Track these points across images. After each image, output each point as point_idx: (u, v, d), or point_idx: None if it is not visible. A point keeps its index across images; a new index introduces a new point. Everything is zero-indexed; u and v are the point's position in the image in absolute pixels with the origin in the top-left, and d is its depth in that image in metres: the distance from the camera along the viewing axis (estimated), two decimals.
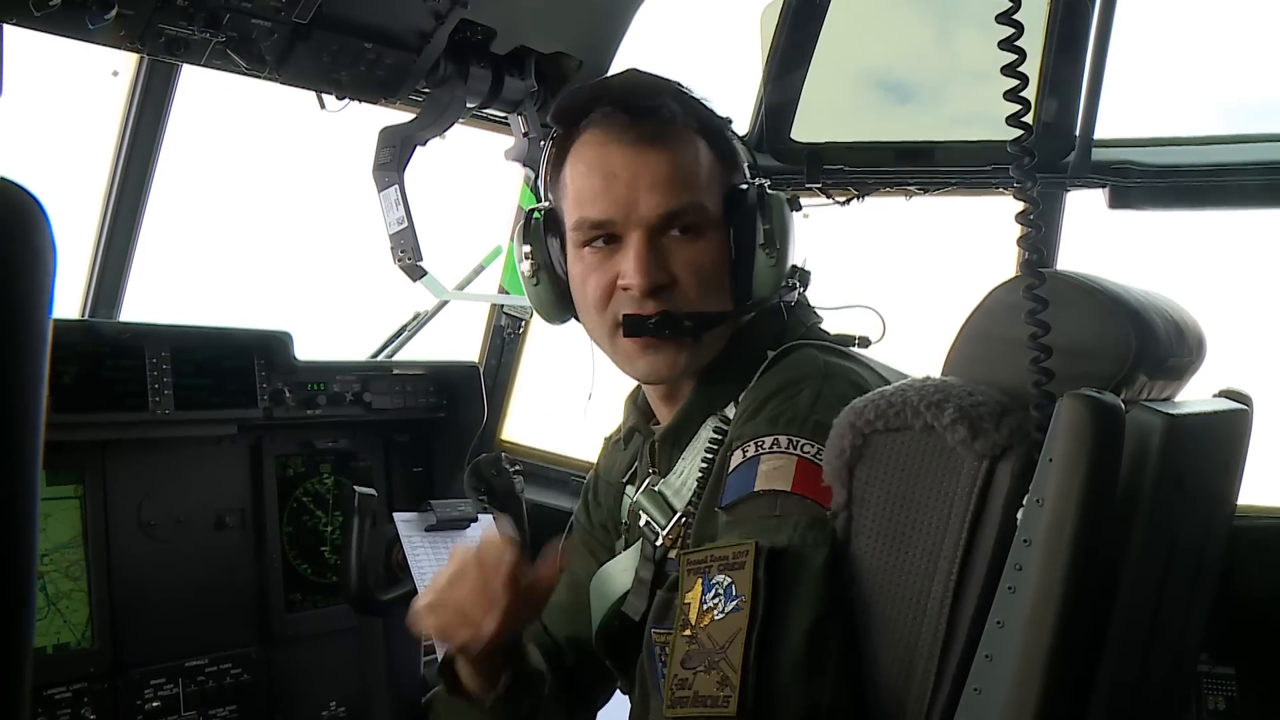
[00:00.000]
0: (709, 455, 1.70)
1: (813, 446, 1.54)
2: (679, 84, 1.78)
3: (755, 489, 1.53)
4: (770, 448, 1.55)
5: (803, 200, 1.84)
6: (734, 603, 1.41)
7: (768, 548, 1.44)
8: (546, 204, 1.82)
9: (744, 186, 1.77)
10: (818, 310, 1.87)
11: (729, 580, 1.43)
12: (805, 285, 1.83)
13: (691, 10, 3.60)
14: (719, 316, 1.72)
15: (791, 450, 1.54)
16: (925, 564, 1.42)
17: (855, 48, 3.37)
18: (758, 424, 1.59)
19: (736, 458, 1.58)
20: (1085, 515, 1.29)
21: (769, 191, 1.76)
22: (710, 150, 1.75)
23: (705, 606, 1.43)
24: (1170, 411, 1.47)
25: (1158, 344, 1.49)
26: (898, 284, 3.44)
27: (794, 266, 1.80)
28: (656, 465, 1.84)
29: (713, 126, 1.77)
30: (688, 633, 1.44)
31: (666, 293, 1.69)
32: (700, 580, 1.46)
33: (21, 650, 0.98)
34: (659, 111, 1.70)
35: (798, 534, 1.47)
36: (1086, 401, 1.31)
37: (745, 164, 1.81)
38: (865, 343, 1.82)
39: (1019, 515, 1.35)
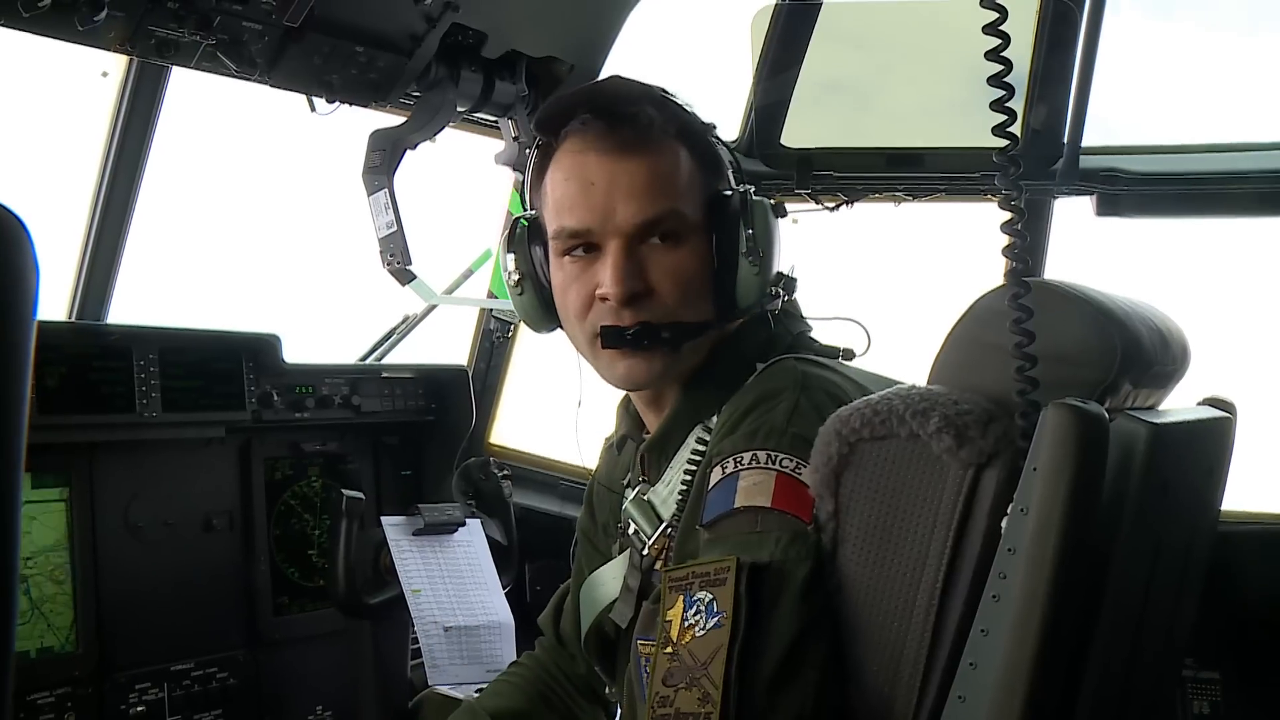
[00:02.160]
0: (690, 469, 1.70)
1: (791, 460, 1.53)
2: (663, 89, 1.77)
3: (735, 506, 1.52)
4: (749, 464, 1.54)
5: (792, 206, 1.82)
6: (715, 619, 1.41)
7: (749, 564, 1.43)
8: (531, 212, 1.82)
9: (727, 193, 1.75)
10: (807, 319, 1.85)
11: (710, 597, 1.42)
12: (791, 292, 1.80)
13: (683, 15, 3.61)
14: (699, 327, 1.71)
15: (770, 465, 1.53)
16: (911, 572, 1.43)
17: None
18: (736, 439, 1.59)
19: (716, 474, 1.57)
20: (1069, 524, 1.30)
21: (753, 198, 1.74)
22: (691, 157, 1.73)
23: (687, 623, 1.43)
24: (1155, 420, 1.48)
25: (1142, 352, 1.50)
26: (886, 290, 3.45)
27: (779, 274, 1.78)
28: (646, 473, 1.84)
29: (694, 132, 1.75)
30: (669, 650, 1.44)
31: (644, 302, 1.67)
32: (682, 597, 1.45)
33: (3, 654, 0.98)
34: (637, 118, 1.68)
35: (779, 549, 1.47)
36: (1071, 410, 1.32)
37: (730, 170, 1.79)
38: (850, 354, 1.80)
39: (1004, 523, 1.36)
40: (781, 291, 1.78)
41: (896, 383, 1.61)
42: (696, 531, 1.59)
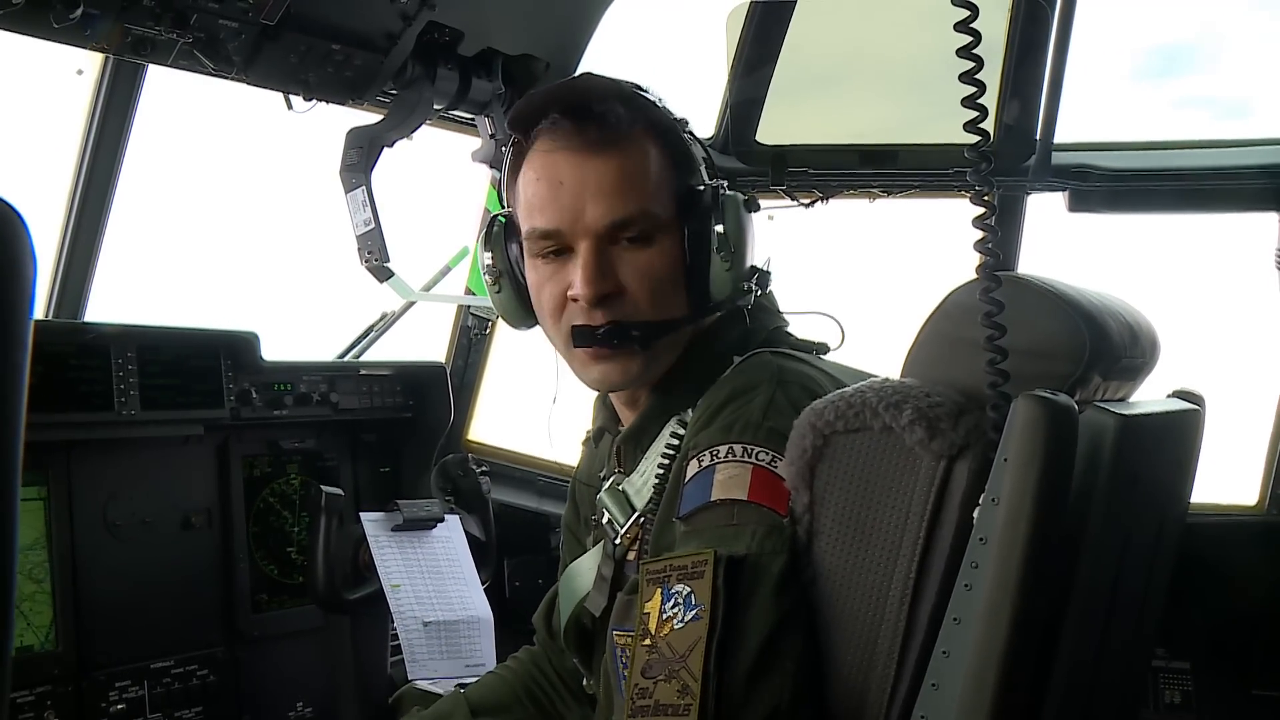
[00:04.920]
0: (665, 461, 1.70)
1: (767, 454, 1.54)
2: (635, 85, 1.76)
3: (712, 498, 1.53)
4: (725, 457, 1.55)
5: (768, 202, 1.83)
6: (693, 612, 1.42)
7: (726, 556, 1.44)
8: (507, 210, 1.82)
9: (699, 188, 1.75)
10: (783, 314, 1.86)
11: (688, 589, 1.44)
12: (764, 287, 1.80)
13: (659, 12, 3.62)
14: (669, 325, 1.71)
15: (746, 459, 1.54)
16: (885, 562, 1.45)
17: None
18: (712, 433, 1.59)
19: (692, 467, 1.58)
20: (1039, 514, 1.32)
21: (724, 193, 1.74)
22: (662, 153, 1.72)
23: (665, 616, 1.44)
24: (1124, 412, 1.50)
25: (1112, 345, 1.52)
26: (861, 286, 3.47)
27: (753, 268, 1.78)
28: (622, 464, 1.85)
29: (665, 128, 1.75)
30: (648, 642, 1.45)
31: (615, 302, 1.68)
32: (659, 590, 1.46)
33: (1, 654, 0.98)
34: (606, 117, 1.68)
35: (755, 542, 1.48)
36: (1041, 402, 1.34)
37: (702, 165, 1.79)
38: (824, 349, 1.81)
39: (975, 514, 1.38)
40: (755, 286, 1.78)
41: (871, 376, 1.62)
42: (673, 524, 1.60)
